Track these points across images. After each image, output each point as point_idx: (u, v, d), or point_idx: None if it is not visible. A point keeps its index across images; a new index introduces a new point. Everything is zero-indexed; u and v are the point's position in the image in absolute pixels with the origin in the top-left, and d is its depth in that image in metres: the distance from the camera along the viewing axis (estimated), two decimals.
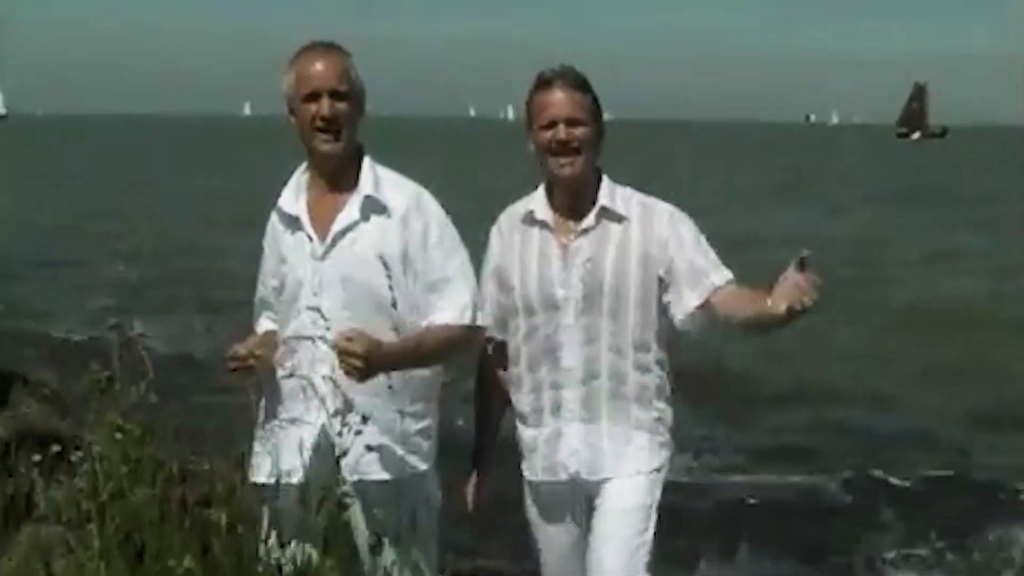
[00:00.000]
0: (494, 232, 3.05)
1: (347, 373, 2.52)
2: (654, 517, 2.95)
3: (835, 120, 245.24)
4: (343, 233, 2.75)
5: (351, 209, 2.76)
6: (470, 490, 3.08)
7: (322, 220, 2.77)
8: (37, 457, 2.67)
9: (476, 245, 3.00)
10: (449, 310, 2.78)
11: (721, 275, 2.90)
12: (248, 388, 2.76)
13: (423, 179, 2.93)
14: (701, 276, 2.89)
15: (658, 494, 2.97)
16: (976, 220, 25.89)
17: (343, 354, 2.51)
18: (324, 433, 2.67)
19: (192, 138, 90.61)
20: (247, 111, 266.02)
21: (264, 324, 2.89)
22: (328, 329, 2.64)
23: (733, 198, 30.64)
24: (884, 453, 8.36)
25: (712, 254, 2.93)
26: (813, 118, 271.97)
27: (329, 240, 2.74)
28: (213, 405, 2.79)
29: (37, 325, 12.43)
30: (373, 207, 2.77)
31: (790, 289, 2.55)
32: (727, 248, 3.04)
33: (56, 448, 2.68)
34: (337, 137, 2.74)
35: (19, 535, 2.82)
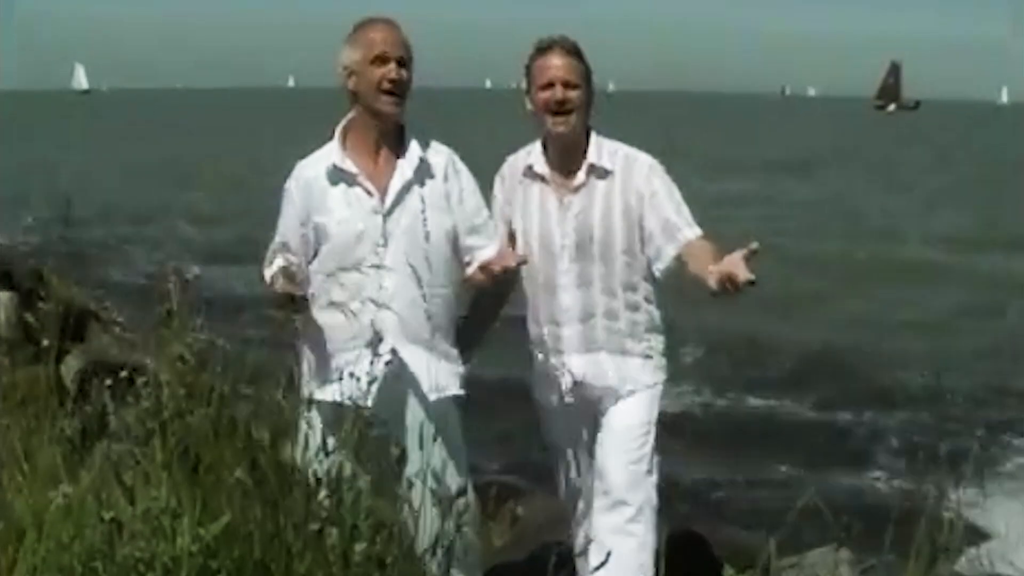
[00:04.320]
0: (497, 179, 3.10)
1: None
2: (654, 431, 2.99)
3: (812, 93, 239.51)
4: (403, 191, 2.81)
5: (406, 170, 2.82)
6: None
7: (377, 179, 2.81)
8: (109, 383, 2.70)
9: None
10: (490, 247, 2.92)
11: (692, 231, 2.90)
12: (292, 321, 2.80)
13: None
14: (674, 231, 2.89)
15: (656, 411, 3.00)
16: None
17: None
18: (361, 360, 2.72)
19: (249, 107, 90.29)
20: (291, 83, 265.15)
21: (278, 262, 2.84)
22: (387, 273, 2.75)
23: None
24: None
25: (684, 209, 2.93)
26: (788, 91, 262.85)
27: (392, 198, 2.80)
28: (259, 337, 2.82)
29: (109, 269, 12.52)
30: (423, 168, 2.84)
31: (726, 270, 2.57)
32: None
33: (125, 375, 2.72)
34: (400, 100, 2.80)
35: (94, 450, 2.88)
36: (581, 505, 3.15)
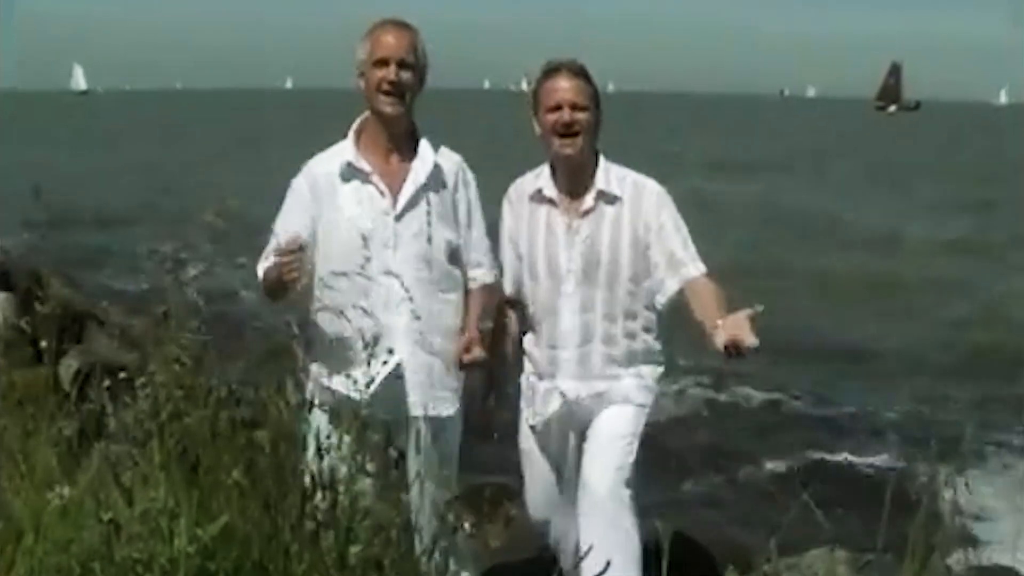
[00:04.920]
0: (505, 202, 3.10)
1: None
2: (637, 444, 2.98)
3: (811, 94, 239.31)
4: (416, 196, 2.83)
5: (419, 175, 2.84)
6: (488, 413, 3.11)
7: (390, 180, 2.83)
8: (107, 383, 2.71)
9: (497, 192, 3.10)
10: (485, 268, 2.97)
11: (697, 268, 2.92)
12: (291, 321, 2.81)
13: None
14: (679, 266, 2.91)
15: (641, 426, 3.01)
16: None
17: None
18: (365, 363, 2.72)
19: (245, 109, 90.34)
20: (289, 84, 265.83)
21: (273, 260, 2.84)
22: (396, 277, 2.75)
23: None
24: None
25: (690, 245, 2.95)
26: (787, 91, 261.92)
27: (405, 201, 2.82)
28: (258, 339, 2.84)
29: (108, 271, 12.52)
30: (436, 174, 2.86)
31: (732, 330, 2.61)
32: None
33: (123, 376, 2.73)
34: (399, 102, 2.81)
35: (92, 451, 2.88)
36: (554, 516, 3.13)
